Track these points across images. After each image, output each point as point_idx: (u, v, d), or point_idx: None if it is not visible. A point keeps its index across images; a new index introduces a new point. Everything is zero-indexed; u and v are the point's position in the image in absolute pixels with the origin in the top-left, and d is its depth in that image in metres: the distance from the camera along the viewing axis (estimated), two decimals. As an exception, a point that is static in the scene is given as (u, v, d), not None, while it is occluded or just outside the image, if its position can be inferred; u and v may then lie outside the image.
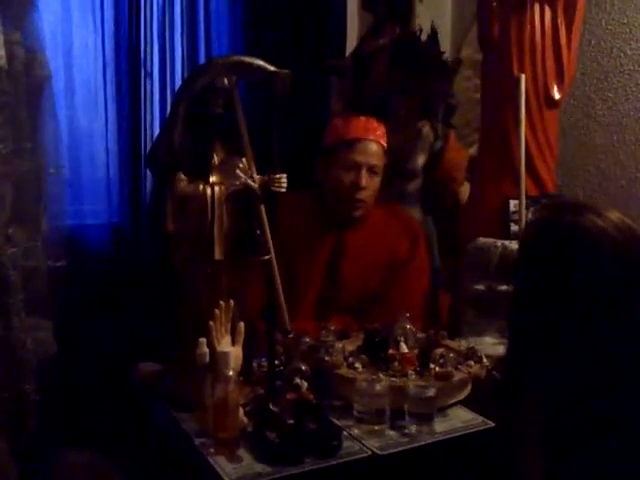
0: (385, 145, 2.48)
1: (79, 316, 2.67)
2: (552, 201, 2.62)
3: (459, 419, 1.91)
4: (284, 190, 2.03)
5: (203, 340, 1.83)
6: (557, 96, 2.71)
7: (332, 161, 2.45)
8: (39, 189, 2.33)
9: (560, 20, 2.68)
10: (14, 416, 2.26)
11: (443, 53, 3.07)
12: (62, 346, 2.38)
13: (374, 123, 2.48)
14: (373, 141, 2.45)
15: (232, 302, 1.91)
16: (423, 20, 3.22)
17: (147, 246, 2.94)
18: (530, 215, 2.57)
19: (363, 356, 2.03)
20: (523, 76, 2.57)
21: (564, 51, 2.70)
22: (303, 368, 1.84)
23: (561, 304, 1.32)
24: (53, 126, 2.41)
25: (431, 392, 1.82)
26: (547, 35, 2.66)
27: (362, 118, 2.50)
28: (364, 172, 2.41)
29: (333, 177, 2.45)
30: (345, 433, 1.78)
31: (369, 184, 2.43)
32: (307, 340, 2.09)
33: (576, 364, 1.31)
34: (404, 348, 2.05)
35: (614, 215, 1.34)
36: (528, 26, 2.65)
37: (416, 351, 2.05)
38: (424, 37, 3.03)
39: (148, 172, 2.91)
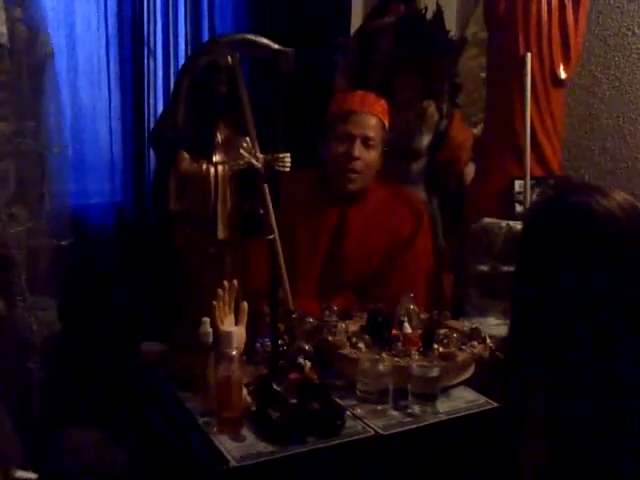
0: (384, 119, 2.48)
1: (83, 295, 2.68)
2: (558, 182, 2.61)
3: (462, 399, 1.91)
4: (288, 169, 2.02)
5: (206, 320, 1.83)
6: (563, 75, 2.69)
7: (328, 135, 2.45)
8: (42, 168, 2.33)
9: (567, -2, 2.66)
10: (19, 395, 2.27)
11: (448, 32, 3.03)
12: (66, 325, 2.39)
13: (372, 97, 2.49)
14: (369, 114, 2.45)
15: (235, 282, 1.90)
16: (428, -2, 3.19)
17: (150, 225, 2.94)
18: (535, 195, 2.56)
19: (366, 336, 2.03)
20: (529, 55, 2.55)
21: (571, 29, 2.66)
22: (306, 348, 1.84)
23: (564, 283, 1.32)
24: (56, 104, 2.40)
25: (434, 372, 1.82)
26: (554, 13, 2.63)
27: (360, 92, 2.53)
28: (358, 143, 2.41)
29: (329, 149, 2.45)
30: (348, 413, 1.78)
31: (363, 155, 2.42)
32: (310, 320, 2.09)
33: (579, 342, 1.31)
34: (407, 328, 2.05)
35: (619, 195, 1.33)
36: (535, 4, 2.61)
37: (419, 331, 2.05)
38: (429, 15, 3.00)
39: (151, 151, 2.90)
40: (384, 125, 2.48)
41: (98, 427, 2.35)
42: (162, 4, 2.93)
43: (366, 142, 2.43)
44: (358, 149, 2.41)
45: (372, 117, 2.45)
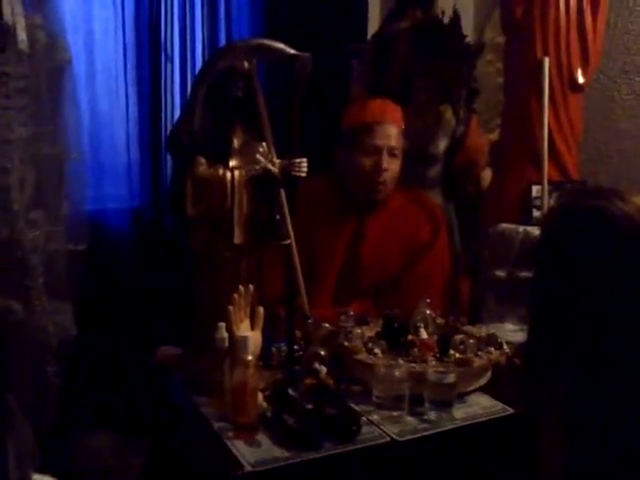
0: (402, 126, 2.48)
1: (99, 299, 2.68)
2: (575, 186, 2.60)
3: (479, 406, 1.90)
4: (304, 174, 2.02)
5: (222, 324, 1.83)
6: (581, 80, 2.67)
7: (352, 146, 2.44)
8: (60, 173, 2.34)
9: (585, 1, 2.64)
10: (36, 398, 2.28)
11: (465, 37, 3.02)
12: (82, 329, 2.40)
13: (391, 105, 2.49)
14: (391, 123, 2.44)
15: (251, 287, 1.90)
16: (445, 3, 3.18)
17: (167, 230, 2.95)
18: (553, 201, 2.54)
19: (382, 342, 2.02)
20: (547, 59, 2.54)
21: (589, 33, 2.65)
22: (322, 353, 1.84)
23: (584, 289, 1.31)
24: (74, 110, 2.41)
25: (451, 378, 1.81)
26: (572, 17, 2.62)
27: (378, 100, 2.52)
28: (385, 155, 2.41)
29: (354, 162, 2.43)
30: (364, 419, 1.77)
31: (390, 166, 2.42)
32: (326, 325, 2.09)
33: (598, 348, 1.30)
34: (424, 334, 2.04)
35: (639, 200, 1.32)
36: (552, 8, 2.60)
37: (436, 337, 2.04)
38: (446, 20, 2.99)
39: (168, 156, 2.91)
40: (402, 132, 2.48)
41: (114, 431, 2.36)
42: (179, 10, 2.95)
43: (391, 152, 2.42)
44: (386, 161, 2.41)
45: (394, 126, 2.45)
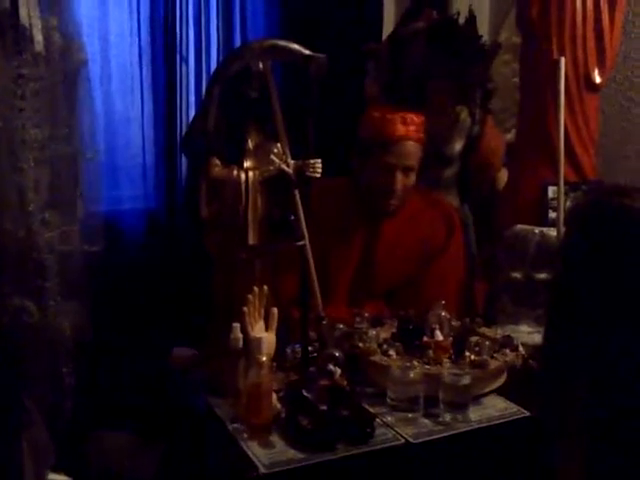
0: (423, 137, 2.40)
1: (114, 300, 2.69)
2: (596, 186, 2.58)
3: (494, 408, 1.89)
4: (319, 175, 2.02)
5: (237, 325, 1.83)
6: (598, 80, 2.65)
7: (366, 158, 2.39)
8: (75, 174, 2.35)
9: (602, 0, 2.62)
10: (51, 399, 2.29)
11: (481, 37, 3.01)
12: (97, 330, 2.41)
13: (412, 118, 2.36)
14: (411, 141, 2.36)
15: (266, 288, 1.90)
16: (461, 3, 3.17)
17: (182, 231, 2.96)
18: (569, 202, 2.52)
19: (397, 344, 2.02)
20: (563, 59, 2.52)
21: (606, 33, 2.63)
22: (337, 355, 1.83)
23: (609, 287, 1.30)
24: (89, 111, 2.42)
25: (466, 380, 1.80)
26: (589, 16, 2.60)
27: (400, 114, 2.36)
28: (398, 175, 2.35)
29: (368, 176, 2.39)
30: (378, 420, 1.77)
31: (403, 182, 2.37)
32: (341, 327, 2.08)
33: (621, 348, 1.28)
34: (439, 336, 2.03)
35: None
36: (569, 7, 2.58)
37: (451, 339, 2.03)
38: (462, 21, 2.98)
39: (183, 157, 2.92)
40: (423, 143, 2.41)
41: (129, 432, 2.36)
42: (194, 11, 2.95)
43: (406, 170, 2.37)
44: (399, 182, 2.35)
45: (413, 143, 2.36)
